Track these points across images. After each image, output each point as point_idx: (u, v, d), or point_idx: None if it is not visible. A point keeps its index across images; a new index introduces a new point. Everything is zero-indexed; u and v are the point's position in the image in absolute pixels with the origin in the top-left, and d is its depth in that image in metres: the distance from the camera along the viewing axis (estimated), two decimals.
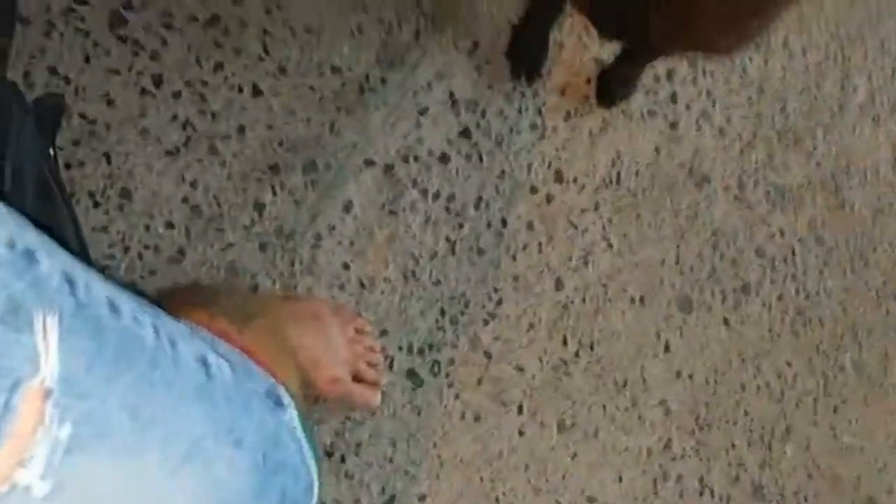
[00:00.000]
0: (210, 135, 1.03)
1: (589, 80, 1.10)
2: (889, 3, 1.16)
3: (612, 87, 1.09)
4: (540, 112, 1.10)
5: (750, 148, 1.12)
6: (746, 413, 1.08)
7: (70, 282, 0.37)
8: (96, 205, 1.00)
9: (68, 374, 0.36)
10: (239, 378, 0.47)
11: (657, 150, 1.11)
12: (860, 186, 1.13)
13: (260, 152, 1.03)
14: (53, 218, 0.68)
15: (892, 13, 1.16)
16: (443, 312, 1.04)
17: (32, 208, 0.63)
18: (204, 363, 0.44)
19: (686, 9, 0.69)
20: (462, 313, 1.05)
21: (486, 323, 1.05)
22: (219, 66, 1.03)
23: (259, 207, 1.02)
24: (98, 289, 0.40)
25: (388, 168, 1.06)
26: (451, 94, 1.09)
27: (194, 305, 0.60)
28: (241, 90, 1.04)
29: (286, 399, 0.52)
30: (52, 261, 0.37)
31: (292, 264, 1.02)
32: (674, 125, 1.11)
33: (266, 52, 1.05)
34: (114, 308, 0.39)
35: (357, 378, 0.96)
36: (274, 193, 1.02)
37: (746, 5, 0.69)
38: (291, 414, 0.51)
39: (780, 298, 1.10)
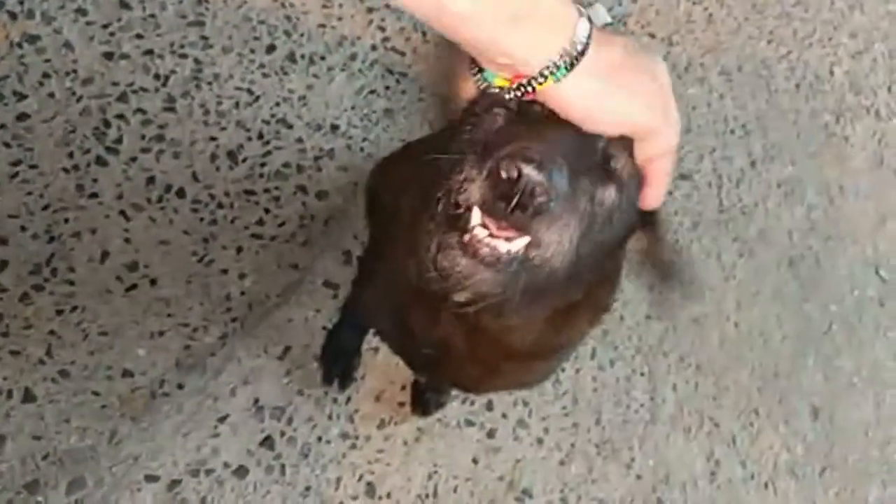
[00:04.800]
0: None
1: (404, 387, 1.07)
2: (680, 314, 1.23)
3: (427, 394, 1.06)
4: (352, 419, 1.04)
5: (569, 459, 1.08)
6: None
7: None
8: None
9: None
10: None
11: (475, 461, 1.05)
12: (682, 501, 1.10)
13: (19, 467, 0.90)
14: None
15: (686, 328, 1.22)
16: None
17: None
18: None
19: (485, 369, 0.68)
20: None
21: None
22: None
23: None
24: None
25: (174, 484, 0.94)
26: (256, 401, 1.02)
27: None
28: (10, 395, 0.93)
29: None
30: None
31: None
32: (491, 433, 1.07)
33: (49, 354, 0.96)
34: None
35: None
36: None
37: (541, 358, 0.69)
38: None
39: None
